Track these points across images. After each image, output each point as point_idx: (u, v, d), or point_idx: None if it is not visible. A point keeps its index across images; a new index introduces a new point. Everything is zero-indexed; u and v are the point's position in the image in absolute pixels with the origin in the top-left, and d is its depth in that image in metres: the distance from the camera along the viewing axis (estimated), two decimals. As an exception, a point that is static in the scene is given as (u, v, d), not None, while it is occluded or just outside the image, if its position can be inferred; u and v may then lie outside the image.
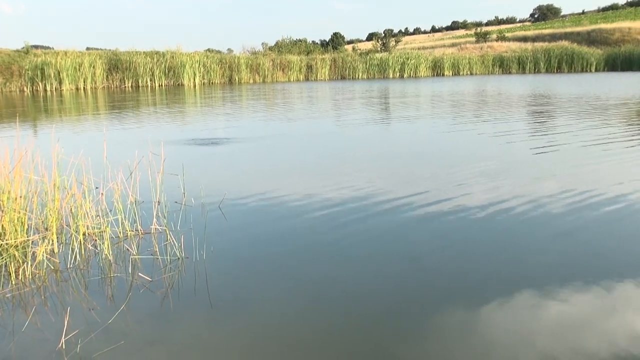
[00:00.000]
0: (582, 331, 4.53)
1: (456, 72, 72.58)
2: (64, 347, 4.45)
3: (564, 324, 4.65)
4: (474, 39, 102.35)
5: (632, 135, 15.96)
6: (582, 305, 5.02)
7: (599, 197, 8.84)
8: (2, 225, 6.55)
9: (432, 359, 4.20)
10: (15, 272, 5.96)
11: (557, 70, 74.42)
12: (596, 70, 74.44)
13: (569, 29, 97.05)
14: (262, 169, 12.15)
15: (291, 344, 4.54)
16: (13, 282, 5.82)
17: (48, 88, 48.49)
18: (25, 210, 6.97)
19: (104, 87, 52.25)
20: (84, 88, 50.04)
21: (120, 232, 7.19)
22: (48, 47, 61.07)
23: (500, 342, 4.39)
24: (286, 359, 4.31)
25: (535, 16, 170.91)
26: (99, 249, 6.70)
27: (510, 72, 73.44)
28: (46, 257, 6.27)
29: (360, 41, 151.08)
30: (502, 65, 74.85)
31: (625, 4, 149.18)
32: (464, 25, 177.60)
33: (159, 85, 54.23)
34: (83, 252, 6.65)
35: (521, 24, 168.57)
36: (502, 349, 4.29)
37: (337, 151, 14.36)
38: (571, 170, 11.12)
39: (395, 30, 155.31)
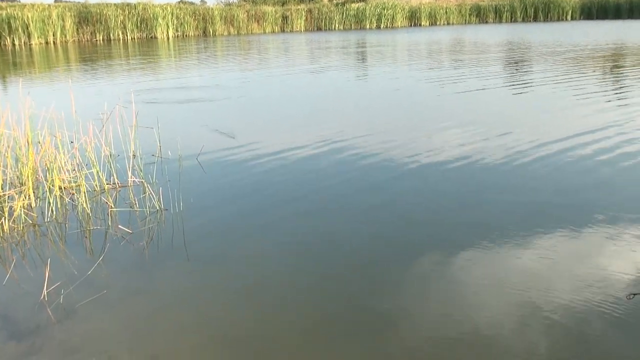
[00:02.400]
0: (553, 276, 4.67)
1: (433, 22, 71.88)
2: (46, 299, 4.48)
3: (535, 270, 4.79)
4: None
5: (604, 83, 16.12)
6: (553, 251, 5.15)
7: (571, 144, 8.99)
8: (-24, 181, 6.49)
9: (406, 306, 4.31)
10: (-8, 227, 5.94)
11: (533, 19, 74.13)
12: (572, 18, 74.24)
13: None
14: (239, 121, 12.07)
15: (269, 295, 4.62)
16: (-10, 237, 5.81)
17: (16, 42, 47.03)
18: (-1, 166, 6.90)
19: (74, 40, 50.85)
20: (53, 42, 48.67)
21: (96, 186, 7.16)
22: (14, 0, 59.08)
23: (473, 290, 4.51)
24: (264, 308, 4.40)
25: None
26: (76, 202, 6.68)
27: (487, 22, 72.97)
28: (23, 211, 6.24)
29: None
30: (479, 14, 74.24)
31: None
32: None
33: (132, 39, 52.91)
34: (60, 206, 6.63)
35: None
36: (474, 296, 4.40)
37: (315, 104, 14.30)
38: (544, 118, 11.24)
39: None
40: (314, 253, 5.35)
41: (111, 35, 52.80)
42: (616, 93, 14.36)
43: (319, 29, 65.66)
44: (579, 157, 8.23)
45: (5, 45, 46.76)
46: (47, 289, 4.58)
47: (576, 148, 8.70)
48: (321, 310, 4.31)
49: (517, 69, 20.52)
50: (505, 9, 74.63)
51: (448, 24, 71.97)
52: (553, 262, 4.93)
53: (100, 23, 52.37)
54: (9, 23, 47.46)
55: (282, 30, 63.90)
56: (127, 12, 54.05)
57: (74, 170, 7.33)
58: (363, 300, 4.42)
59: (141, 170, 7.79)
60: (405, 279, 4.73)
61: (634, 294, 3.18)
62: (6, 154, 7.30)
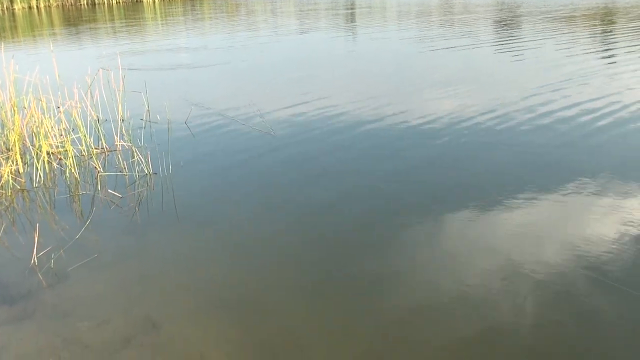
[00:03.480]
0: (540, 238, 4.68)
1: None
2: (36, 263, 4.46)
3: (523, 232, 4.79)
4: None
5: (590, 43, 16.03)
6: (541, 214, 5.16)
7: (561, 106, 8.96)
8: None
9: (398, 269, 4.32)
10: (-21, 193, 5.87)
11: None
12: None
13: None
14: (228, 86, 11.93)
15: (261, 256, 4.62)
16: (-22, 203, 5.75)
17: (-2, 7, 46.12)
18: (-15, 131, 6.80)
19: (57, 5, 49.80)
20: (37, 7, 47.67)
21: (84, 150, 7.08)
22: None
23: (463, 252, 4.52)
24: (257, 269, 4.40)
25: None
26: (64, 167, 6.60)
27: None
28: (11, 177, 6.16)
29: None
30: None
31: None
32: None
33: (117, 2, 51.86)
34: (48, 171, 6.56)
35: None
36: (464, 258, 4.41)
37: (303, 68, 14.13)
38: (534, 80, 11.18)
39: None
40: (305, 215, 5.33)
41: (95, -1, 51.71)
42: (603, 53, 14.29)
43: (307, -11, 64.48)
44: (566, 117, 8.21)
45: (-14, 10, 45.76)
46: (37, 254, 4.55)
47: (565, 108, 8.68)
48: (313, 271, 4.31)
49: (504, 29, 20.34)
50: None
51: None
52: (541, 223, 4.94)
53: (84, -14, 51.24)
54: (-10, -13, 46.34)
55: (270, -8, 62.72)
56: (111, -26, 52.86)
57: (61, 135, 7.23)
58: (354, 261, 4.42)
59: (129, 135, 7.71)
60: (394, 242, 4.73)
61: None
62: (-9, 119, 7.20)
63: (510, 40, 17.23)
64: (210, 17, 32.91)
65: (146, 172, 6.44)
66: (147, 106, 9.18)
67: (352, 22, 25.92)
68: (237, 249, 4.73)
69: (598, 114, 8.28)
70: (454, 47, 15.99)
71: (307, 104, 9.62)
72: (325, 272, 4.27)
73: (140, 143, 7.45)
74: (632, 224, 4.79)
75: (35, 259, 4.50)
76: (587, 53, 14.03)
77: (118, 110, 8.21)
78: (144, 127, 8.31)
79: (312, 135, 7.82)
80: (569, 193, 5.51)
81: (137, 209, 5.59)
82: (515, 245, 4.53)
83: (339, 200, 5.60)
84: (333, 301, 3.89)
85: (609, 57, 13.53)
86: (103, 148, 7.27)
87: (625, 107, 8.61)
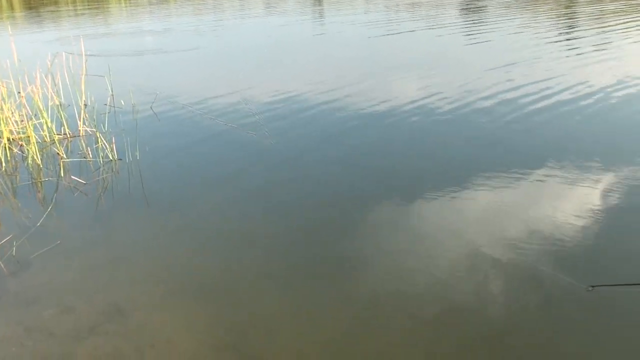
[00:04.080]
0: (504, 220, 4.73)
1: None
2: (-3, 251, 4.35)
3: (487, 215, 4.84)
4: None
5: (558, 27, 16.26)
6: (504, 197, 5.22)
7: (525, 90, 9.08)
8: None
9: (365, 254, 4.33)
10: (-63, 180, 5.70)
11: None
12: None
13: None
14: (194, 70, 11.78)
15: (230, 241, 4.58)
16: (-64, 191, 5.58)
17: (-46, -11, 44.60)
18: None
19: (16, -13, 48.41)
20: (-6, -11, 46.26)
21: (46, 136, 6.91)
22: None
23: (428, 234, 4.54)
24: (226, 254, 4.37)
25: None
26: (26, 153, 6.44)
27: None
28: (-31, 164, 6.00)
29: None
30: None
31: None
32: None
33: (78, -15, 50.69)
34: (9, 158, 6.40)
35: None
36: (429, 240, 4.44)
37: (268, 52, 14.03)
38: (500, 63, 11.29)
39: None
40: (274, 200, 5.30)
41: (56, -19, 50.36)
42: (558, 36, 14.51)
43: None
44: (529, 102, 8.32)
45: (-58, -8, 44.24)
46: (-2, 242, 4.45)
47: (530, 94, 8.79)
48: (283, 257, 4.29)
49: (471, 14, 20.48)
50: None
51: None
52: (506, 206, 5.01)
53: (44, -32, 49.86)
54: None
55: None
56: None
57: (22, 120, 7.04)
58: (322, 247, 4.42)
59: (93, 120, 7.56)
60: (362, 227, 4.73)
61: (593, 286, 3.32)
62: (-52, 104, 6.96)
63: (474, 24, 17.35)
64: (175, 0, 32.38)
65: (111, 157, 6.33)
66: (110, 91, 9.01)
67: (319, 5, 25.79)
68: (205, 234, 4.68)
69: (568, 98, 8.40)
70: (416, 29, 16.06)
71: (273, 88, 9.55)
72: (294, 258, 4.26)
73: (105, 128, 7.30)
74: (588, 204, 4.88)
75: (-3, 246, 4.39)
76: (543, 36, 14.22)
77: (81, 95, 8.02)
78: (108, 112, 8.16)
79: (279, 120, 7.78)
80: (525, 175, 5.58)
81: (102, 195, 5.50)
82: (478, 227, 4.58)
83: (308, 186, 5.59)
84: (302, 286, 3.88)
85: (564, 40, 13.74)
86: (66, 134, 7.12)
87: (578, 90, 8.75)
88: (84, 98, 8.13)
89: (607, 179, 5.37)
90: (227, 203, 5.26)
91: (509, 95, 8.59)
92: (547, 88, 8.92)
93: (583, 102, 8.06)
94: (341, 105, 8.41)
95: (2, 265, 4.17)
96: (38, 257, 4.27)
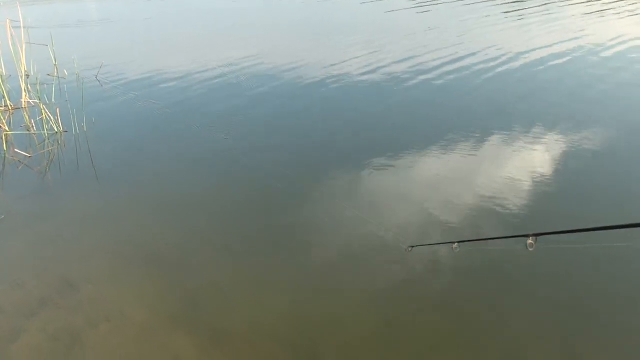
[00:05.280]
0: (454, 184, 4.83)
1: None
2: (-62, 228, 4.20)
3: (439, 179, 4.93)
4: None
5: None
6: (454, 162, 5.32)
7: (476, 56, 9.20)
8: None
9: (318, 220, 4.35)
10: None
11: None
12: None
13: None
14: (139, 39, 11.48)
15: (180, 211, 4.54)
16: None
17: None
18: None
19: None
20: None
21: (-13, 109, 6.66)
22: None
23: (382, 198, 4.61)
24: (177, 224, 4.33)
25: None
26: (-35, 127, 6.20)
27: None
28: None
29: None
30: None
31: None
32: None
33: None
34: (-53, 132, 6.15)
35: None
36: (383, 203, 4.51)
37: (219, 23, 13.76)
38: (450, 28, 11.38)
39: None
40: (224, 168, 5.27)
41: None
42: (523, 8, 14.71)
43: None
44: (480, 69, 8.45)
45: None
46: (-61, 219, 4.29)
47: (488, 60, 8.91)
48: (235, 225, 4.29)
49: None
50: None
51: None
52: (454, 172, 5.11)
53: None
54: None
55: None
56: None
57: (-40, 92, 6.75)
58: (275, 214, 4.43)
59: (36, 91, 7.30)
60: (314, 195, 4.75)
61: (412, 246, 3.53)
62: None
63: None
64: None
65: (56, 129, 6.15)
66: (54, 60, 8.70)
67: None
68: (155, 205, 4.63)
69: (524, 63, 8.55)
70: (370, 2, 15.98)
71: (223, 54, 9.41)
72: (248, 226, 4.26)
73: (48, 100, 7.07)
74: (537, 166, 5.02)
75: (-62, 223, 4.24)
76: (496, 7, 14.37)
77: (21, 65, 7.72)
78: (53, 83, 7.89)
79: (229, 87, 7.68)
80: (479, 144, 5.70)
81: (47, 168, 5.35)
82: (429, 192, 4.66)
83: (262, 153, 5.56)
84: (255, 254, 3.89)
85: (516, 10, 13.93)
86: (7, 105, 6.86)
87: (534, 57, 8.93)
88: (24, 68, 7.82)
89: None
90: (176, 173, 5.19)
91: (470, 64, 8.67)
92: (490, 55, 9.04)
93: (523, 67, 8.23)
94: (300, 72, 8.35)
95: (-56, 242, 4.03)
96: (-18, 232, 4.15)
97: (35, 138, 6.00)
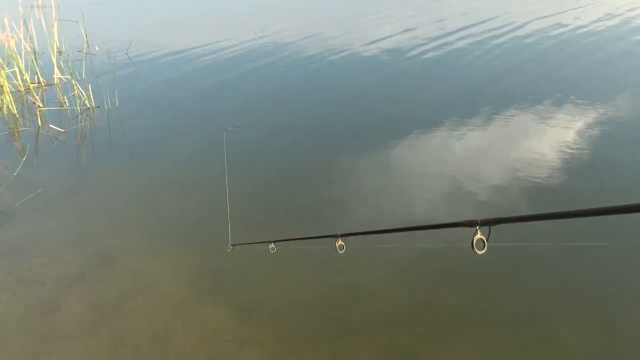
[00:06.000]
0: (484, 158, 4.78)
1: None
2: (-21, 202, 4.30)
3: (468, 154, 4.89)
4: None
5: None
6: (484, 136, 5.27)
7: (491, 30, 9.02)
8: None
9: (349, 192, 4.37)
10: None
11: None
12: None
13: None
14: (165, 16, 11.50)
15: (212, 186, 4.54)
16: None
17: None
18: None
19: None
20: None
21: (20, 85, 6.75)
22: None
23: (412, 174, 4.58)
24: (210, 199, 4.35)
25: None
26: (0, 103, 6.30)
27: None
28: (-57, 115, 5.85)
29: None
30: None
31: None
32: None
33: None
34: (-17, 108, 6.26)
35: None
36: (414, 180, 4.48)
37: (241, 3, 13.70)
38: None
39: None
40: (256, 143, 5.29)
41: None
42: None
43: None
44: (499, 43, 8.29)
45: None
46: (-21, 193, 4.39)
47: (507, 33, 8.74)
48: (264, 200, 4.32)
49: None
50: None
51: None
52: (485, 146, 5.05)
53: None
54: None
55: None
56: None
57: (-5, 69, 6.85)
58: (305, 188, 4.44)
59: (69, 67, 7.38)
60: (343, 169, 4.74)
61: (233, 245, 3.44)
62: None
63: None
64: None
65: (88, 105, 6.22)
66: (85, 37, 8.77)
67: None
68: (186, 179, 4.67)
69: (538, 38, 8.37)
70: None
71: (249, 36, 9.38)
72: (278, 201, 4.28)
73: (80, 76, 7.15)
74: (564, 141, 4.94)
75: (-22, 198, 4.34)
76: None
77: (54, 42, 7.79)
78: (84, 60, 7.96)
79: (261, 59, 7.68)
80: (510, 118, 5.62)
81: (81, 142, 5.43)
82: (459, 167, 4.62)
83: (291, 131, 5.56)
84: (286, 228, 3.91)
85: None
86: (40, 82, 6.96)
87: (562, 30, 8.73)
88: (57, 45, 7.90)
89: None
90: (209, 147, 5.23)
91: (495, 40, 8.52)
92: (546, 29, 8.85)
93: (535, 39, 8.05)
94: (319, 51, 8.30)
95: (-15, 215, 4.14)
96: (21, 206, 4.24)
97: (68, 114, 6.08)
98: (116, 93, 6.47)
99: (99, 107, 6.20)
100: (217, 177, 4.67)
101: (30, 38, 7.61)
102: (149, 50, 8.48)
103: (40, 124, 5.85)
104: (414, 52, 7.80)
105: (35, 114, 6.09)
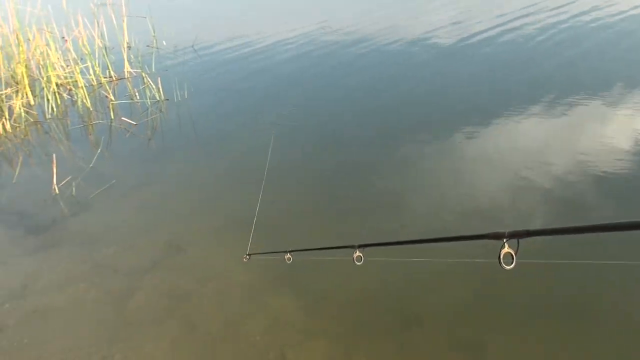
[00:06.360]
0: (549, 146, 4.59)
1: None
2: (57, 192, 4.46)
3: (533, 142, 4.71)
4: None
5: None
6: (549, 123, 5.06)
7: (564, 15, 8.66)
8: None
9: (409, 184, 4.29)
10: (-6, 127, 5.83)
11: None
12: None
13: None
14: (229, 10, 11.63)
15: (278, 175, 4.58)
16: (-6, 138, 5.72)
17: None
18: (-9, 65, 6.68)
19: None
20: None
21: (93, 80, 6.97)
22: None
23: (474, 164, 4.46)
24: (275, 188, 4.37)
25: None
26: (75, 97, 6.54)
27: None
28: (23, 110, 6.11)
29: None
30: None
31: None
32: None
33: None
34: (59, 103, 6.49)
35: None
36: (477, 170, 4.36)
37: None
38: None
39: None
40: (322, 134, 5.27)
41: None
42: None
43: None
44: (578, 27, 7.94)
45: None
46: (57, 184, 4.55)
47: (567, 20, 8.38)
48: (330, 189, 4.29)
49: None
50: None
51: None
52: (550, 133, 4.85)
53: None
54: None
55: None
56: None
57: (69, 65, 7.11)
58: (365, 179, 4.40)
59: (138, 62, 7.58)
60: (405, 158, 4.67)
61: (249, 255, 3.24)
62: (-4, 53, 7.05)
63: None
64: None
65: (158, 98, 6.36)
66: (152, 32, 8.97)
67: None
68: (254, 171, 4.68)
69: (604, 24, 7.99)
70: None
71: (310, 28, 9.37)
72: (344, 192, 4.25)
73: (149, 69, 7.32)
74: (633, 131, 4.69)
75: (56, 188, 4.50)
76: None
77: (124, 37, 8.02)
78: (153, 54, 8.16)
79: (317, 55, 7.65)
80: (577, 104, 5.38)
81: (152, 134, 5.56)
82: (524, 156, 4.46)
83: (354, 121, 5.52)
84: (351, 218, 3.88)
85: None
86: (111, 76, 7.17)
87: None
88: (126, 40, 8.12)
89: None
90: (276, 138, 5.24)
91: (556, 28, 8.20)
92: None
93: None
94: (381, 41, 8.19)
95: (63, 206, 4.29)
96: (96, 197, 4.37)
97: (139, 107, 6.24)
98: (185, 85, 6.59)
99: (168, 99, 6.33)
100: (283, 167, 4.69)
101: (101, 34, 7.84)
102: (214, 42, 8.60)
103: (112, 117, 6.02)
104: (473, 40, 7.59)
105: (108, 107, 6.27)
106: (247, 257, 3.28)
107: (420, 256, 2.23)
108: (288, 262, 2.70)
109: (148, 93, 6.44)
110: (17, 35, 6.86)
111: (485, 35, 7.75)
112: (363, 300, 3.08)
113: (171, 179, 4.68)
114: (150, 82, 6.54)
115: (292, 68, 7.15)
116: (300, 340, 2.82)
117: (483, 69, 6.52)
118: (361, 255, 2.03)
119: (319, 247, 2.47)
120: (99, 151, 5.22)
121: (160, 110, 6.11)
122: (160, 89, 6.42)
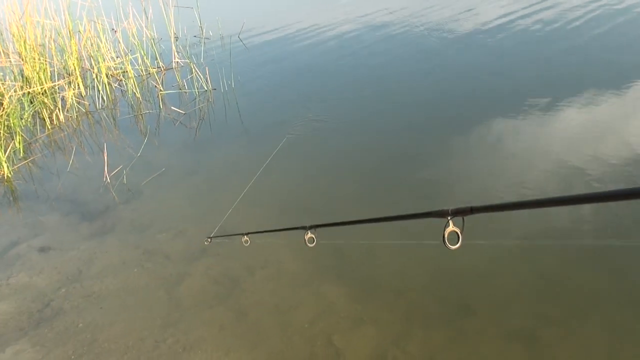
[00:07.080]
0: (595, 137, 4.42)
1: None
2: (109, 181, 4.54)
3: (577, 132, 4.54)
4: None
5: None
6: (595, 113, 4.87)
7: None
8: (27, 74, 6.45)
9: (453, 174, 4.20)
10: (49, 117, 5.97)
11: None
12: None
13: None
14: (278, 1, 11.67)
15: (326, 165, 4.57)
16: (49, 128, 5.86)
17: None
18: (45, 57, 6.83)
19: None
20: None
21: (142, 70, 7.08)
22: None
23: (518, 154, 4.33)
24: (325, 179, 4.36)
25: None
26: (125, 88, 6.65)
27: None
28: (75, 100, 6.25)
29: None
30: None
31: None
32: None
33: None
34: (109, 93, 6.61)
35: None
36: (520, 160, 4.24)
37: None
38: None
39: None
40: (371, 126, 5.22)
41: None
42: None
43: None
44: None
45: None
46: (108, 173, 4.63)
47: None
48: (382, 183, 4.25)
49: None
50: None
51: None
52: (595, 124, 4.67)
53: None
54: None
55: None
56: None
57: (118, 56, 7.23)
58: (415, 165, 4.33)
59: (186, 52, 7.65)
60: (450, 147, 4.58)
61: (210, 238, 3.17)
62: (49, 44, 7.21)
63: None
64: None
65: (205, 88, 6.41)
66: (199, 22, 9.05)
67: None
68: (302, 159, 4.69)
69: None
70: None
71: (354, 19, 9.28)
72: (398, 184, 4.19)
73: (197, 59, 7.39)
74: None
75: (108, 177, 4.58)
76: None
77: (171, 28, 8.09)
78: (200, 44, 8.23)
79: (360, 48, 7.59)
80: (623, 93, 5.18)
81: (200, 124, 5.61)
82: (569, 147, 4.31)
83: (406, 111, 5.45)
84: (404, 209, 3.82)
85: None
86: (160, 66, 7.26)
87: None
88: (174, 30, 8.20)
89: None
90: (323, 127, 5.22)
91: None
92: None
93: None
94: (422, 31, 8.06)
95: (114, 193, 4.37)
96: (146, 185, 4.44)
97: (187, 96, 6.30)
98: (232, 76, 6.62)
99: (215, 89, 6.37)
100: (336, 156, 4.66)
101: (149, 25, 7.93)
102: (259, 32, 8.63)
103: (161, 107, 6.10)
104: (519, 25, 7.39)
105: (157, 97, 6.36)
106: (209, 240, 3.32)
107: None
108: (245, 244, 2.73)
109: (196, 83, 6.50)
110: (68, 27, 7.01)
111: (531, 20, 7.55)
112: (414, 289, 3.03)
113: (219, 167, 4.71)
114: (198, 72, 6.59)
115: (336, 54, 7.10)
116: (349, 328, 2.79)
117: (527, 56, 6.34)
118: (313, 236, 2.09)
119: (275, 228, 2.52)
120: (148, 140, 5.29)
121: (208, 100, 6.16)
122: (208, 79, 6.46)
